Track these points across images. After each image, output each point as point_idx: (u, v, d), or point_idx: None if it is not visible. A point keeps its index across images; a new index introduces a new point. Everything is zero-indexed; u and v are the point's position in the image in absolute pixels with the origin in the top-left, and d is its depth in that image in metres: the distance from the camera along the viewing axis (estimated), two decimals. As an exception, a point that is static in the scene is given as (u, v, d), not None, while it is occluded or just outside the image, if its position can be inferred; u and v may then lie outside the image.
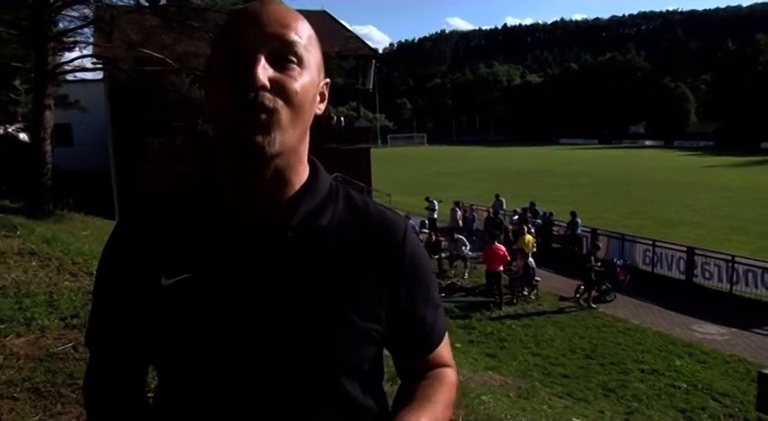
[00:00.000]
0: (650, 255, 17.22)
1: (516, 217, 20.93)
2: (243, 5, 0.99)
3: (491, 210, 22.66)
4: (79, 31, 15.22)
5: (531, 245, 16.67)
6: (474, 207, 24.10)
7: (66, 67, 15.66)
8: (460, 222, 22.01)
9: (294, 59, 0.93)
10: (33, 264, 6.19)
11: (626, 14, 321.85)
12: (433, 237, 18.59)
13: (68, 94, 22.65)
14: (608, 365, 11.04)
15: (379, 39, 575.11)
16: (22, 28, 14.35)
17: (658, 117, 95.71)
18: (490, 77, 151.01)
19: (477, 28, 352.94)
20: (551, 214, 20.92)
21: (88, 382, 1.12)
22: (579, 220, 19.68)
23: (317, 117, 1.01)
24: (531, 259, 15.47)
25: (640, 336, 12.59)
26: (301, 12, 0.98)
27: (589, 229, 19.38)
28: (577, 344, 12.19)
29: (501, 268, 14.73)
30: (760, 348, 12.01)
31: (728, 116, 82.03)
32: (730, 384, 10.23)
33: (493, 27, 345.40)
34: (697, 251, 16.28)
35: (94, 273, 1.93)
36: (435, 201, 23.52)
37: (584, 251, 17.86)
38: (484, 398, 5.06)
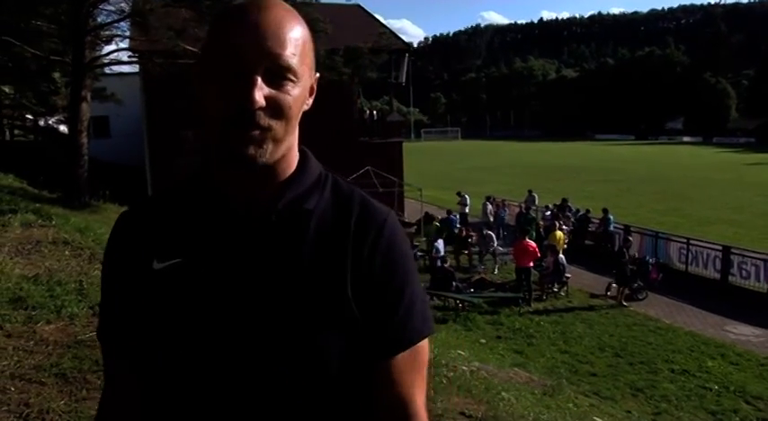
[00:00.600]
0: (684, 253, 16.89)
1: (549, 213, 20.74)
2: (240, 2, 0.98)
3: (523, 205, 22.49)
4: (116, 24, 15.54)
5: (561, 241, 16.51)
6: (506, 202, 23.91)
7: (103, 61, 15.99)
8: (491, 217, 21.87)
9: (290, 76, 0.95)
10: (66, 253, 6.35)
11: (665, 8, 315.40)
12: (463, 232, 18.52)
13: (106, 87, 23.09)
14: (637, 364, 10.89)
15: (413, 32, 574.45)
16: (62, 22, 14.70)
17: (697, 113, 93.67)
18: (525, 72, 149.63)
19: (512, 22, 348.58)
20: (588, 211, 20.62)
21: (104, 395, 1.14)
22: (612, 217, 19.41)
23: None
24: (561, 255, 15.32)
25: (672, 336, 12.37)
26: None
27: (622, 226, 19.08)
28: (606, 342, 12.03)
29: (531, 264, 14.60)
30: (796, 351, 11.70)
31: (772, 112, 79.97)
32: (765, 387, 9.99)
33: (528, 21, 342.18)
34: (733, 250, 15.89)
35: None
36: (467, 196, 23.43)
37: (617, 248, 17.60)
38: (504, 394, 5.04)
